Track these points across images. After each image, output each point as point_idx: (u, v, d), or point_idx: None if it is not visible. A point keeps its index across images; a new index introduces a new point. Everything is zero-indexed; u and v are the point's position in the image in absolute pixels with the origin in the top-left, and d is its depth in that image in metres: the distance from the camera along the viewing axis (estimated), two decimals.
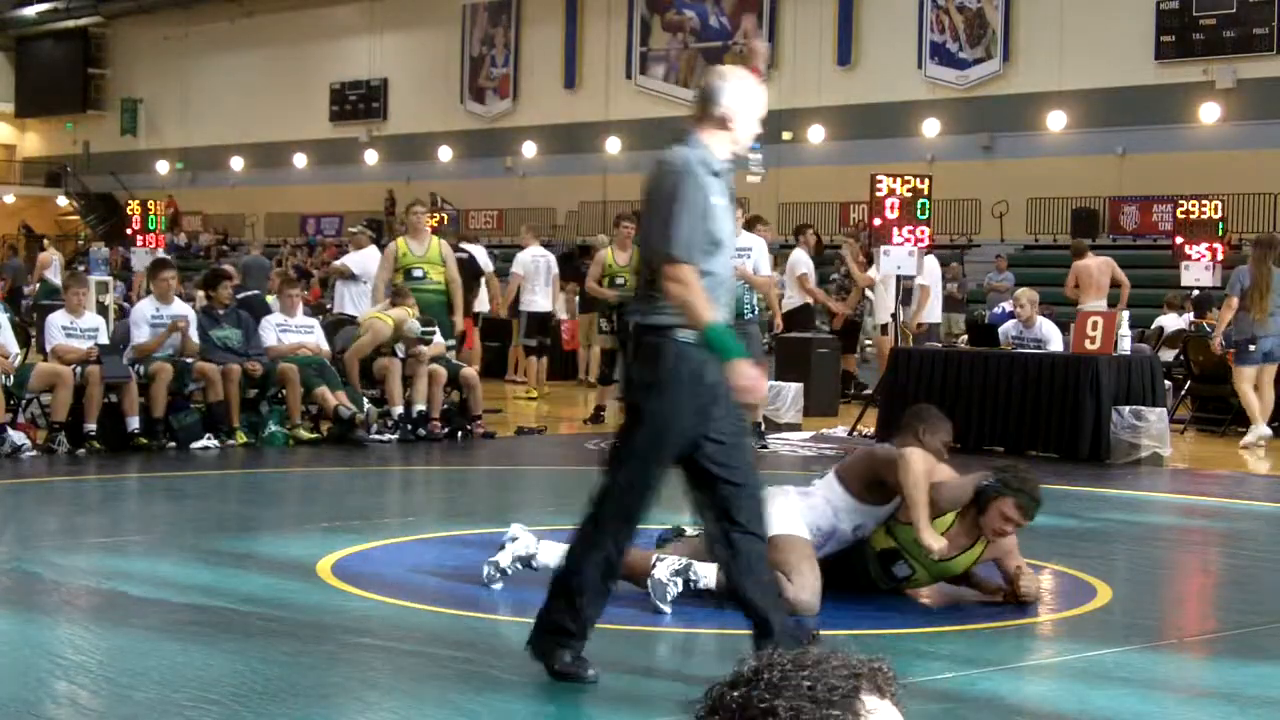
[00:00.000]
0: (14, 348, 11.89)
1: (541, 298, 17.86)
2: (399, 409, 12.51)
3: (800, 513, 6.29)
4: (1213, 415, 15.01)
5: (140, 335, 11.75)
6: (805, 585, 6.00)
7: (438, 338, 13.53)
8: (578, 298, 19.56)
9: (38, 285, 28.08)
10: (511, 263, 18.68)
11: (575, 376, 20.19)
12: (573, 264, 21.04)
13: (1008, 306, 19.41)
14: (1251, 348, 13.60)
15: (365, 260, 15.15)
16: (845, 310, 17.73)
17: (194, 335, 11.87)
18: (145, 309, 12.02)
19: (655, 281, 4.93)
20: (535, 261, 17.96)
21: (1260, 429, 13.60)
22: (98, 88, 51.32)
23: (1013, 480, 6.09)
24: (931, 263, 15.70)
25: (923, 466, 6.06)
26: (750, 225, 14.33)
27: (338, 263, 17.32)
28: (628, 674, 5.19)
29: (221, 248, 34.74)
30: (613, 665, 5.30)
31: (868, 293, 16.90)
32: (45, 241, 35.15)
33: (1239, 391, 13.78)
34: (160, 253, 21.67)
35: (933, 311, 16.45)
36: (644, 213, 5.18)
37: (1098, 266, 16.55)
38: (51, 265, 28.50)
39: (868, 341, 17.59)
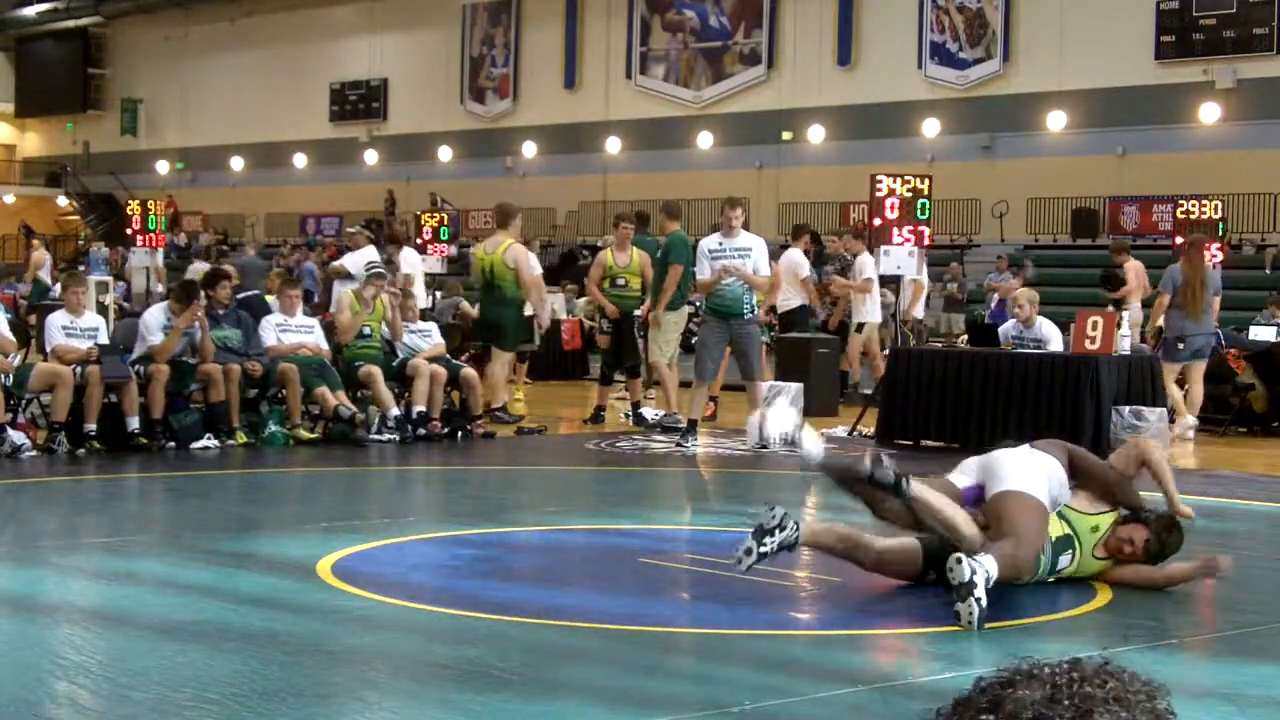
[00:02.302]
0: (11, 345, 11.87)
1: None
2: (394, 411, 12.51)
3: (1045, 477, 6.49)
4: (1213, 415, 15.01)
5: (155, 340, 11.73)
6: (1031, 546, 6.24)
7: (436, 337, 13.56)
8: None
9: (31, 285, 28.07)
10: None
11: (575, 376, 20.20)
12: (578, 265, 21.00)
13: (995, 300, 19.54)
14: (1180, 346, 13.79)
15: (363, 261, 15.16)
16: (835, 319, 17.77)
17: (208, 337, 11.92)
18: (158, 315, 12.00)
19: None
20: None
21: (1188, 419, 14.04)
22: (98, 88, 51.34)
23: (1160, 523, 6.61)
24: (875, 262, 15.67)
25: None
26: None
27: (340, 264, 17.28)
28: (628, 674, 5.19)
29: (221, 248, 34.72)
30: (613, 665, 5.30)
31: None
32: (35, 241, 35.07)
33: (1166, 387, 13.98)
34: (160, 254, 21.67)
35: (917, 309, 16.53)
36: None
37: (1137, 269, 16.82)
38: (44, 265, 28.47)
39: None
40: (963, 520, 6.31)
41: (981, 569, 5.85)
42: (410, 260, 17.19)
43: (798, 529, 6.30)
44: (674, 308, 14.03)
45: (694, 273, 13.42)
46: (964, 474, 6.65)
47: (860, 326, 16.61)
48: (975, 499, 6.51)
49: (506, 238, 14.13)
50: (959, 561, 5.89)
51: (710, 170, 35.79)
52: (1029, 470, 6.46)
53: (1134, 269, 17.09)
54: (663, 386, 14.42)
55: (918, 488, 6.37)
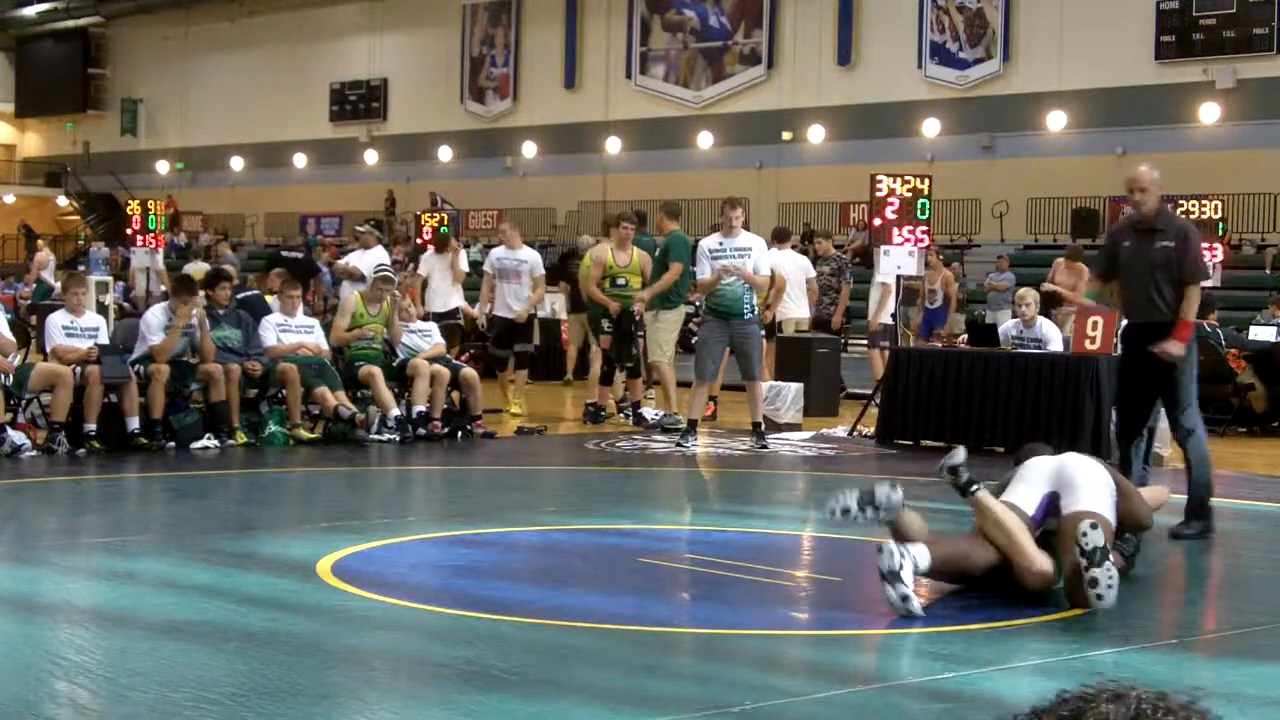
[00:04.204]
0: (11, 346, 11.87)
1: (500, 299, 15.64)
2: (395, 412, 12.50)
3: (1110, 497, 6.56)
4: (1213, 415, 14.99)
5: (155, 340, 11.74)
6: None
7: (436, 337, 13.55)
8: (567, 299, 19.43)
9: (34, 285, 28.16)
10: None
11: (575, 376, 20.19)
12: (566, 265, 20.93)
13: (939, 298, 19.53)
14: None
15: (373, 261, 15.12)
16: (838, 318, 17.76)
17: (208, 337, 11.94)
18: (159, 315, 12.01)
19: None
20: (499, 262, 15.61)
21: None
22: (98, 88, 51.36)
23: (1128, 546, 6.93)
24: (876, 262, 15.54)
25: None
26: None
27: (346, 263, 17.17)
28: (628, 674, 5.19)
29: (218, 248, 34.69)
30: (613, 665, 5.30)
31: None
32: (40, 242, 35.17)
33: None
34: (160, 255, 21.68)
35: (890, 312, 16.43)
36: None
37: (1083, 275, 16.90)
38: (48, 265, 28.58)
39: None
40: (1026, 539, 6.30)
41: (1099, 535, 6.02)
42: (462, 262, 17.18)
43: (896, 507, 6.33)
44: (670, 307, 14.01)
45: (694, 272, 13.42)
46: (1030, 483, 6.55)
47: (781, 325, 16.62)
48: (1048, 508, 6.48)
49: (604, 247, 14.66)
50: (1087, 530, 6.04)
51: (710, 170, 35.81)
52: (1103, 490, 6.50)
53: (1082, 275, 17.19)
54: (662, 386, 14.41)
55: (985, 497, 6.36)
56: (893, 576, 6.00)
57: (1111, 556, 6.07)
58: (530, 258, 15.50)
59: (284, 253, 18.25)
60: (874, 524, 6.34)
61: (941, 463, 6.45)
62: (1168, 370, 8.50)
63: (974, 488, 6.37)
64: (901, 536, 6.24)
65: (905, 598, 5.98)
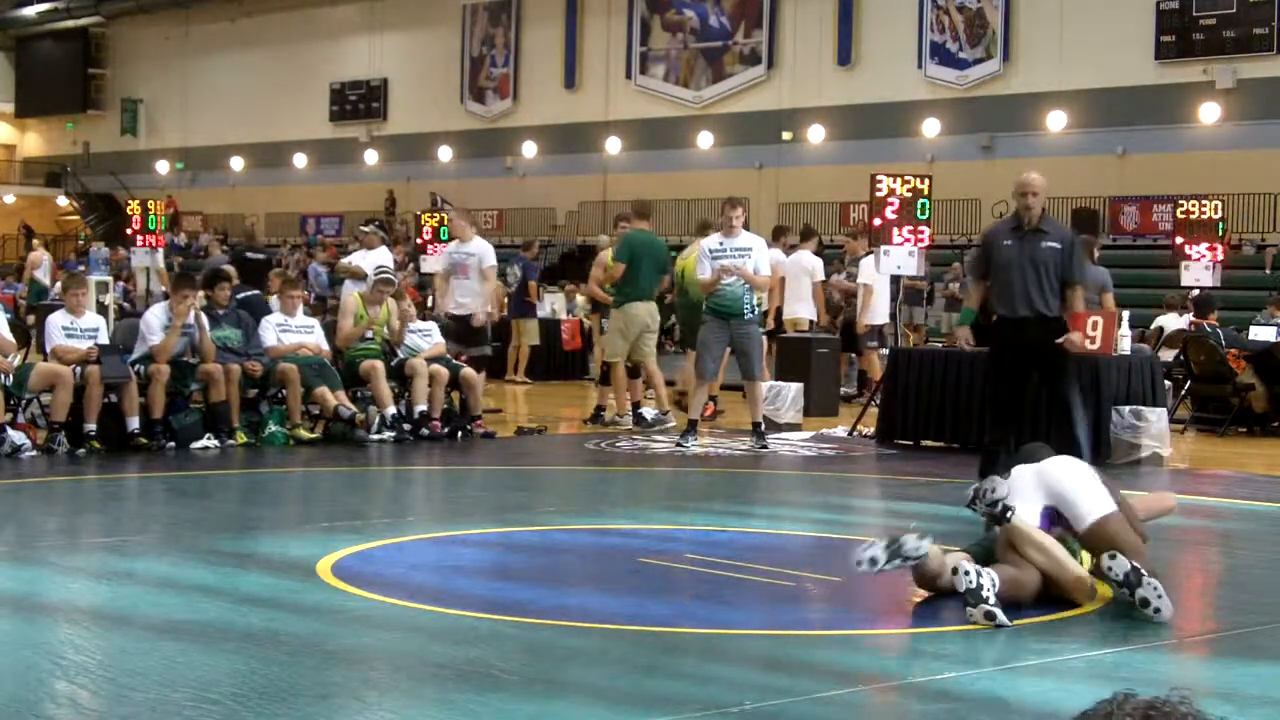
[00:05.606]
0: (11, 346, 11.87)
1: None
2: (390, 409, 12.50)
3: (1104, 488, 6.58)
4: (1213, 415, 15.02)
5: (155, 340, 11.75)
6: (1140, 554, 6.29)
7: (436, 337, 13.54)
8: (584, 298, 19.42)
9: (28, 285, 28.16)
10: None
11: (575, 376, 20.23)
12: (578, 264, 20.93)
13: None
14: None
15: (376, 261, 15.09)
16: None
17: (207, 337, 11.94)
18: (159, 315, 12.02)
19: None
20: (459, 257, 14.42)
21: None
22: (98, 88, 51.33)
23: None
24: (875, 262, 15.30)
25: None
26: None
27: (349, 262, 17.13)
28: (628, 674, 5.19)
29: (221, 249, 34.59)
30: (613, 665, 5.30)
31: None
32: (35, 241, 35.13)
33: None
34: (160, 254, 21.67)
35: (878, 313, 16.39)
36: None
37: None
38: (41, 265, 28.56)
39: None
40: (1066, 555, 6.29)
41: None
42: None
43: (924, 556, 6.17)
44: (618, 305, 13.93)
45: (670, 272, 13.64)
46: (1024, 498, 6.47)
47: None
48: (1050, 520, 6.43)
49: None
50: (1110, 565, 6.02)
51: (710, 170, 35.80)
52: (1095, 484, 6.51)
53: None
54: (614, 386, 14.32)
55: (1021, 521, 6.29)
56: (974, 595, 5.92)
57: (1140, 564, 6.00)
58: (478, 249, 14.17)
59: (249, 254, 18.02)
60: (899, 570, 6.22)
61: (986, 496, 6.33)
62: (1051, 355, 9.24)
63: (1009, 514, 6.30)
64: (925, 577, 6.26)
65: (990, 615, 5.84)
